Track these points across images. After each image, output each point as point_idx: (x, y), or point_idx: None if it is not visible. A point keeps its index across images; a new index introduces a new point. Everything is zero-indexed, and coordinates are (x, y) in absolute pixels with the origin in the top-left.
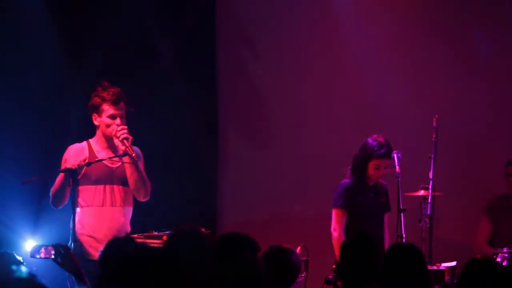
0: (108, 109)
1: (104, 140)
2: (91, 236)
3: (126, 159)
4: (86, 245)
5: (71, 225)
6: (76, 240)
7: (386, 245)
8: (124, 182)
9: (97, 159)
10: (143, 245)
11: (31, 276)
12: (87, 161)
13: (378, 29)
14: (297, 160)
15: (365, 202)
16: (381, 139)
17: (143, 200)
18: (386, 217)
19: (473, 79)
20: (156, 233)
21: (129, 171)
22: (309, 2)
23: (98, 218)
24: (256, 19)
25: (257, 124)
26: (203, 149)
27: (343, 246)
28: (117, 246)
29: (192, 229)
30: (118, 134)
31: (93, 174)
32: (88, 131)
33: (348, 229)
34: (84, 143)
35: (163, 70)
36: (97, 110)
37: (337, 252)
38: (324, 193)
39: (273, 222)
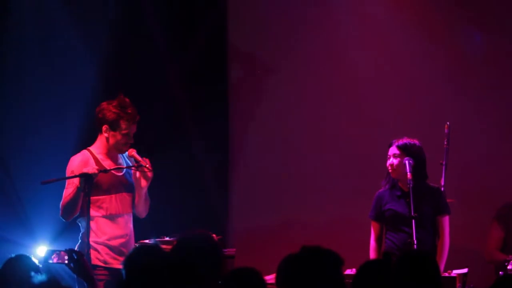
0: (126, 127)
1: (107, 151)
2: (106, 245)
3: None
4: (102, 252)
5: (84, 232)
6: (90, 247)
7: (443, 251)
8: (127, 189)
9: (117, 167)
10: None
11: (54, 279)
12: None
13: (390, 35)
14: (307, 166)
15: (395, 210)
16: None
17: (142, 217)
18: (441, 221)
19: (486, 86)
20: (167, 238)
21: (144, 198)
22: (323, 18)
23: (113, 227)
24: (268, 43)
25: (267, 131)
26: (214, 155)
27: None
28: (145, 253)
29: (201, 234)
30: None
31: (104, 183)
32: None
33: (386, 239)
34: (85, 152)
35: (174, 82)
36: (112, 123)
37: None
38: (334, 199)
39: (284, 228)
